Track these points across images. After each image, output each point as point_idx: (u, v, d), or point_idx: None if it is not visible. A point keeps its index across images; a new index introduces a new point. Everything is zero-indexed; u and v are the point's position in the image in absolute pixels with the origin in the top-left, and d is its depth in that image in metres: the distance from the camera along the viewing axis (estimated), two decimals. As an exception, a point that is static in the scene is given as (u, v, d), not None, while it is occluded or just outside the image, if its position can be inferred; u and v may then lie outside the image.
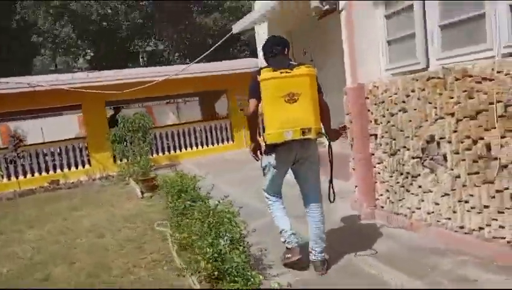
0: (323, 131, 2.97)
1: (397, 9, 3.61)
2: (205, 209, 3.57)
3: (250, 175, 6.69)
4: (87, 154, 9.94)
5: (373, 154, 3.75)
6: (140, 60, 24.20)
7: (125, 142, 9.15)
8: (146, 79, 9.77)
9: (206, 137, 11.20)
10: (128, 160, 9.26)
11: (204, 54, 9.47)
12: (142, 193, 6.82)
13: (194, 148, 11.06)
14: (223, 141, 11.39)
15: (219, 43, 8.30)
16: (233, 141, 11.43)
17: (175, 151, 10.74)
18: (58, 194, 8.05)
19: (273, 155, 2.96)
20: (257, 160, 3.23)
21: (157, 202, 6.20)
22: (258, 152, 3.21)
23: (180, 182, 4.85)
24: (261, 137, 3.17)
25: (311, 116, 2.78)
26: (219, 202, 3.62)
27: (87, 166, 9.89)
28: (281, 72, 2.76)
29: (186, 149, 10.94)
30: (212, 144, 11.26)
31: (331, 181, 3.14)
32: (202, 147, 11.14)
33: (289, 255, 3.06)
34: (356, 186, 4.05)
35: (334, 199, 3.18)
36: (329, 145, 3.09)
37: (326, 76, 5.81)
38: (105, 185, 8.56)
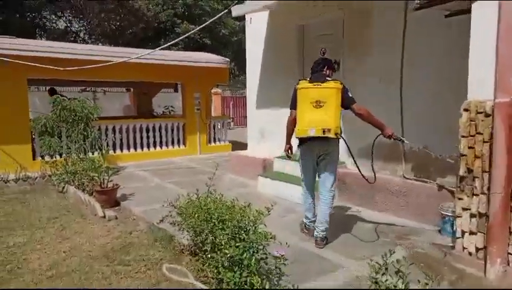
0: (339, 133, 3.58)
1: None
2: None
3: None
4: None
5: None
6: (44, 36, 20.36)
7: (58, 135, 6.94)
8: (82, 57, 7.69)
9: (154, 137, 9.33)
10: (58, 157, 7.03)
11: (180, 38, 7.78)
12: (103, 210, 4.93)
13: (139, 149, 9.10)
14: (173, 144, 9.64)
15: (209, 22, 6.71)
16: (185, 145, 9.76)
17: (114, 152, 8.64)
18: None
19: (301, 147, 3.81)
20: (289, 158, 4.19)
21: (133, 226, 4.46)
22: (289, 152, 4.03)
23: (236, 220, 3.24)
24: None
25: (332, 120, 3.51)
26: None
27: (-7, 162, 7.26)
28: (314, 84, 3.60)
29: (129, 150, 8.92)
30: (161, 146, 9.43)
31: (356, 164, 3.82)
32: (149, 149, 9.23)
33: (306, 231, 4.01)
34: (473, 233, 3.11)
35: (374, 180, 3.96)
36: (345, 141, 3.71)
37: (354, 81, 4.88)
38: (28, 190, 6.23)
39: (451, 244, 3.71)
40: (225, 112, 19.87)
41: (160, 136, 9.37)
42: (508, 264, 2.95)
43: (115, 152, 8.60)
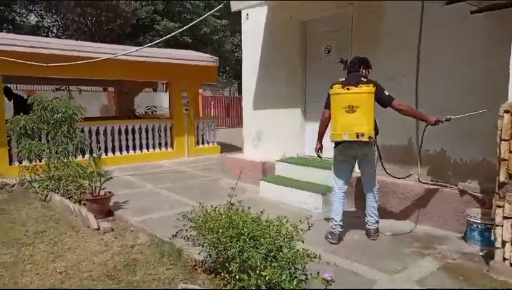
0: (373, 136, 3.61)
1: None
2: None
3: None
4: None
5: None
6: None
7: (39, 138, 6.36)
8: (66, 53, 7.17)
9: (141, 139, 8.82)
10: (38, 162, 6.46)
11: (167, 37, 7.35)
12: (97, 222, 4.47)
13: (124, 152, 8.57)
14: (160, 146, 9.16)
15: (200, 19, 6.32)
16: (172, 147, 9.30)
17: (105, 154, 8.07)
18: None
19: (336, 149, 3.88)
20: (320, 157, 4.16)
21: (133, 239, 4.04)
22: (319, 151, 4.09)
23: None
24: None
25: (365, 124, 3.54)
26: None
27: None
28: (347, 89, 3.59)
29: (113, 153, 8.38)
30: (147, 148, 8.93)
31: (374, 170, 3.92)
32: (135, 152, 8.73)
33: (330, 237, 3.84)
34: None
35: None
36: (377, 147, 3.77)
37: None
38: (7, 199, 5.65)
39: (481, 254, 3.53)
40: (206, 112, 19.38)
41: (147, 138, 8.88)
42: (557, 277, 2.76)
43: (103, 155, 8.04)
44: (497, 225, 3.05)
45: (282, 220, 2.65)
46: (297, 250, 2.45)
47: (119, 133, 8.44)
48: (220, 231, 2.68)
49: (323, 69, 5.71)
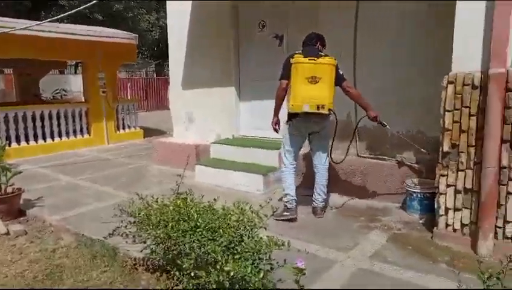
0: (333, 109, 3.58)
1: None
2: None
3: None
4: None
5: (505, 167, 2.81)
6: None
7: None
8: None
9: (51, 127, 7.78)
10: None
11: (71, 12, 6.46)
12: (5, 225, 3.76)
13: (32, 142, 7.49)
14: (75, 133, 8.20)
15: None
16: (89, 134, 8.40)
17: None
18: None
19: (290, 123, 3.73)
20: (276, 132, 3.94)
21: (54, 241, 3.47)
22: (277, 126, 3.89)
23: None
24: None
25: (326, 96, 3.49)
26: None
27: None
28: (309, 59, 3.47)
29: (18, 143, 7.28)
30: (60, 137, 7.93)
31: (329, 154, 3.94)
32: (45, 141, 7.68)
33: (287, 213, 3.76)
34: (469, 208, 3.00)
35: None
36: (336, 120, 3.72)
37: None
38: None
39: (421, 221, 3.67)
40: (123, 95, 18.04)
41: (59, 125, 7.86)
42: (496, 238, 2.92)
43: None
44: (441, 193, 3.14)
45: (243, 206, 2.38)
46: (261, 238, 2.22)
47: (24, 120, 7.33)
48: (170, 225, 2.32)
49: (257, 47, 5.47)
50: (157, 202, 2.75)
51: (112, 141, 8.65)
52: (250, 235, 2.26)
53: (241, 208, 2.27)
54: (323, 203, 3.91)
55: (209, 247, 2.13)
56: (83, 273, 2.83)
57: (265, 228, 2.29)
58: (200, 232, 2.20)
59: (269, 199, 2.65)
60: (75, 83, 16.65)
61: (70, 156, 7.39)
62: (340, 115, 4.53)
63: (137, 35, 8.79)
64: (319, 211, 3.87)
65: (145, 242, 2.72)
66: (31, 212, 4.20)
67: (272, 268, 2.19)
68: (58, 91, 11.68)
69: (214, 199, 2.54)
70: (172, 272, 2.47)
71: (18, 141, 7.27)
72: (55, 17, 6.02)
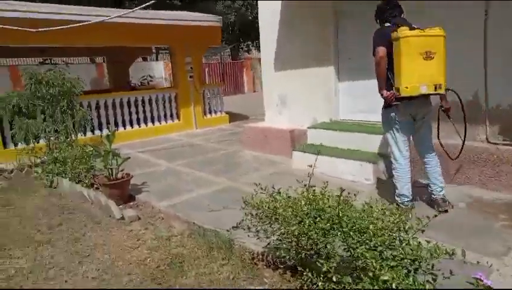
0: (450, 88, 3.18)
1: None
2: None
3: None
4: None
5: None
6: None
7: (35, 116, 5.59)
8: (53, 17, 6.30)
9: (145, 112, 8.07)
10: (36, 143, 5.72)
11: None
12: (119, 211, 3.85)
13: (128, 127, 7.84)
14: (166, 119, 8.43)
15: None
16: (179, 119, 8.58)
17: (101, 131, 7.35)
18: None
19: (394, 108, 3.23)
20: (396, 106, 3.24)
21: (167, 228, 3.44)
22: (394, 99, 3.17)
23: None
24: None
25: (442, 74, 3.05)
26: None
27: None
28: (420, 31, 3.00)
29: (117, 128, 7.65)
30: (152, 122, 8.20)
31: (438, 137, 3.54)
32: (139, 126, 7.99)
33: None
34: None
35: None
36: (460, 100, 3.34)
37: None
38: (6, 188, 4.97)
39: None
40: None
41: (151, 111, 8.13)
42: None
43: (101, 132, 7.31)
44: None
45: (384, 206, 2.05)
46: (419, 243, 1.87)
47: (121, 106, 7.67)
48: (307, 222, 2.07)
49: (358, 22, 4.97)
50: (279, 193, 2.53)
51: (199, 126, 8.76)
52: (404, 239, 1.93)
53: (385, 207, 1.95)
54: (443, 192, 3.44)
55: (358, 251, 1.85)
56: (203, 266, 2.73)
57: (422, 231, 1.94)
58: (347, 233, 1.91)
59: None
60: (157, 70, 17.38)
61: (163, 141, 7.59)
62: (464, 95, 3.97)
63: (221, 17, 8.70)
64: (440, 202, 3.40)
65: (268, 237, 2.53)
66: (139, 198, 4.28)
67: (434, 279, 1.85)
68: (145, 77, 12.17)
69: (341, 192, 2.19)
70: (304, 273, 2.23)
71: (116, 126, 7.63)
72: (145, 4, 6.11)
